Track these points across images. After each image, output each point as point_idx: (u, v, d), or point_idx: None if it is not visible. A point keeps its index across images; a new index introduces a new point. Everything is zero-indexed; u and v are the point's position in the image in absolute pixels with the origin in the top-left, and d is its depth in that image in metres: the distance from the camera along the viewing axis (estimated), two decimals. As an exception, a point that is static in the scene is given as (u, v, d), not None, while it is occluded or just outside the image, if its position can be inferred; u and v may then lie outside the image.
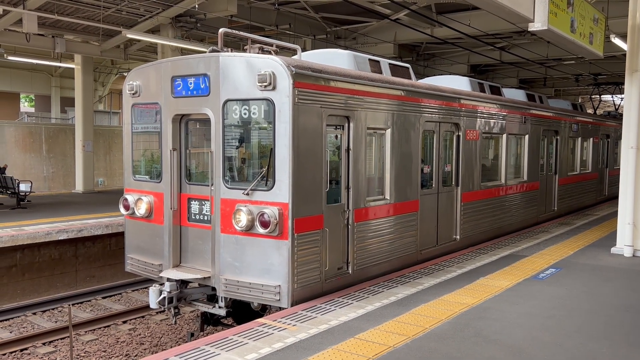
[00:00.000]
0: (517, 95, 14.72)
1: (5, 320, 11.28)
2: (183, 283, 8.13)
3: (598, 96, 24.82)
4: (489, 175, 12.54)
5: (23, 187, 16.44)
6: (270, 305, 7.71)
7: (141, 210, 8.57)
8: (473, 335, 6.22)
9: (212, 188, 7.70)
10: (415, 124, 9.54)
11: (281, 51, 8.50)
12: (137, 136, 8.92)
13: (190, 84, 7.89)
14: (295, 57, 8.50)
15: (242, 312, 8.38)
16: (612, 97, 24.58)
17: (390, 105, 8.91)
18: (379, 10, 17.26)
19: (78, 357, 9.61)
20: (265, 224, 7.14)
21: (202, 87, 7.74)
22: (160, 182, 8.41)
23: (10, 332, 10.63)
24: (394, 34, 20.68)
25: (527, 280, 8.73)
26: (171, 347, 8.68)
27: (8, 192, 16.90)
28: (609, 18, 13.41)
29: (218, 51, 7.73)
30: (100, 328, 10.90)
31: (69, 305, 8.90)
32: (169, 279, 7.94)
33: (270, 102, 7.14)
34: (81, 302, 12.45)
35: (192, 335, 8.61)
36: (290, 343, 5.94)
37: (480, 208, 11.82)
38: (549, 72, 29.34)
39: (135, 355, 9.71)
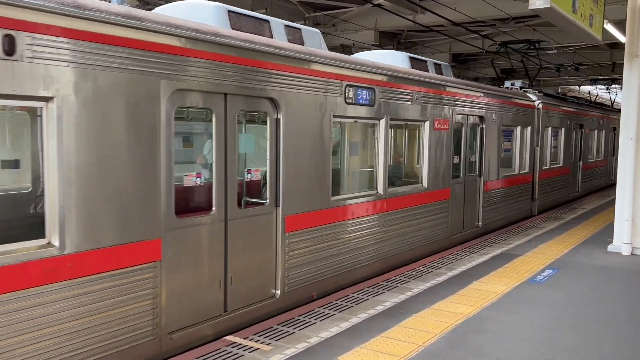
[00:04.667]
0: (392, 59, 9.84)
1: None
2: None
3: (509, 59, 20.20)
4: (350, 183, 8.77)
5: None
6: None
7: None
8: (473, 354, 5.48)
9: None
10: (130, 92, 4.94)
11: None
12: None
13: None
14: None
15: None
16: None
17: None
18: (360, -5, 16.47)
19: None
20: None
21: None
22: None
23: None
24: (375, 20, 19.88)
25: (524, 283, 8.03)
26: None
27: None
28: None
29: None
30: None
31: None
32: None
33: None
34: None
35: None
36: (265, 367, 5.15)
37: (317, 242, 7.34)
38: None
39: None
